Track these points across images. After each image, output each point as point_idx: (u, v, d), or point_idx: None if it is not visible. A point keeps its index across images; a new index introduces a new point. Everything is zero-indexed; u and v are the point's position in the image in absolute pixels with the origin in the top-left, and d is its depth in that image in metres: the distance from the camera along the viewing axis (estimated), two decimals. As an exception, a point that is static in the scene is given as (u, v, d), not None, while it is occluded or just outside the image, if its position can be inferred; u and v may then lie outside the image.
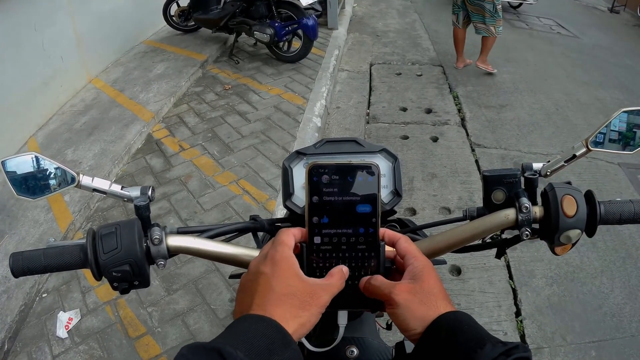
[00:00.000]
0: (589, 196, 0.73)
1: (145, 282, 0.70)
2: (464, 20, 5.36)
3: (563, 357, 2.36)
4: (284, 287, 0.57)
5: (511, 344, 0.51)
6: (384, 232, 0.66)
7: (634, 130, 0.75)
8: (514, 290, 2.71)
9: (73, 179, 0.73)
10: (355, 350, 0.78)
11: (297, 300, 0.56)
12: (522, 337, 2.46)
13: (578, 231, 0.71)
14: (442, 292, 0.60)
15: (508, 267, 2.86)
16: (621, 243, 3.07)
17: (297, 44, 5.31)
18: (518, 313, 2.58)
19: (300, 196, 0.80)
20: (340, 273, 0.62)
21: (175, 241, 0.72)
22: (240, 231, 0.86)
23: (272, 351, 0.50)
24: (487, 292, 2.68)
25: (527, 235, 0.73)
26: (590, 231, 0.73)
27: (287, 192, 0.81)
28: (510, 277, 2.79)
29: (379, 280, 0.62)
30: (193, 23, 5.84)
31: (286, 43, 5.31)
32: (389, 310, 0.60)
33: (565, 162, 0.77)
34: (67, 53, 4.36)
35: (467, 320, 0.56)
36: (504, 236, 0.83)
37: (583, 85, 5.60)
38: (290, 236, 0.63)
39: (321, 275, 0.63)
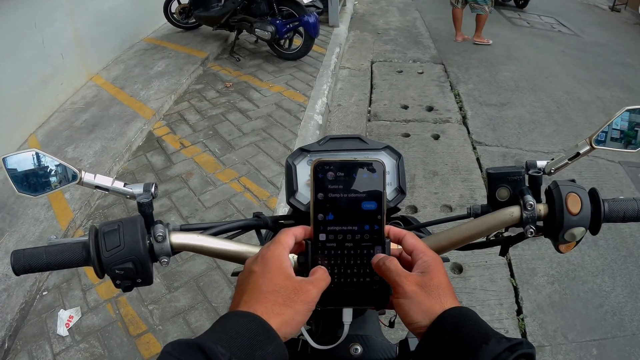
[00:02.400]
0: (593, 194, 0.72)
1: (148, 280, 0.70)
2: (462, 2, 6.34)
3: (564, 355, 2.36)
4: (269, 284, 0.57)
5: (515, 340, 0.51)
6: (389, 229, 0.65)
7: (636, 128, 0.75)
8: (516, 288, 2.71)
9: (75, 176, 0.73)
10: (360, 348, 0.78)
11: (281, 298, 0.56)
12: (524, 335, 2.46)
13: (582, 229, 0.71)
14: (449, 288, 0.60)
15: (509, 265, 2.86)
16: (622, 241, 3.07)
17: (298, 41, 5.29)
18: (519, 311, 2.58)
19: (304, 193, 0.80)
20: (321, 269, 0.62)
21: (178, 238, 0.71)
22: (243, 228, 0.86)
23: (254, 346, 0.51)
24: (489, 290, 2.67)
25: (531, 232, 0.73)
26: (594, 229, 0.73)
27: (291, 190, 0.81)
28: (512, 275, 2.79)
29: (394, 263, 0.61)
30: (194, 20, 5.83)
31: (287, 41, 5.30)
32: (396, 300, 0.60)
33: (569, 160, 0.77)
34: (67, 51, 4.35)
35: (472, 316, 0.56)
36: (507, 234, 0.83)
37: (584, 84, 5.59)
38: (290, 236, 0.63)
39: None
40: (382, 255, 0.63)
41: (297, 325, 0.57)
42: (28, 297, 2.47)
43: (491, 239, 0.84)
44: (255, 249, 0.73)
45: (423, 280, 0.59)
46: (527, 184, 0.77)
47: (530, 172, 0.77)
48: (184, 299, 2.53)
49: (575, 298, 2.67)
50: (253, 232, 0.90)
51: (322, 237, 0.63)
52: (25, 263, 0.69)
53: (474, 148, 4.07)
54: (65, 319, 2.40)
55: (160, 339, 2.33)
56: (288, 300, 0.56)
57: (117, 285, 0.69)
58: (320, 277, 0.61)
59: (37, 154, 0.72)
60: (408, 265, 0.63)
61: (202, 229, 0.80)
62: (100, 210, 3.13)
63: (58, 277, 2.65)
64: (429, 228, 0.97)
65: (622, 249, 3.01)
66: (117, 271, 0.66)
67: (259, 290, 0.57)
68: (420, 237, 0.77)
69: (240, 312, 0.55)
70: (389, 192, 0.81)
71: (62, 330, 2.36)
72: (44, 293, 2.58)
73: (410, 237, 0.65)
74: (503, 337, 0.51)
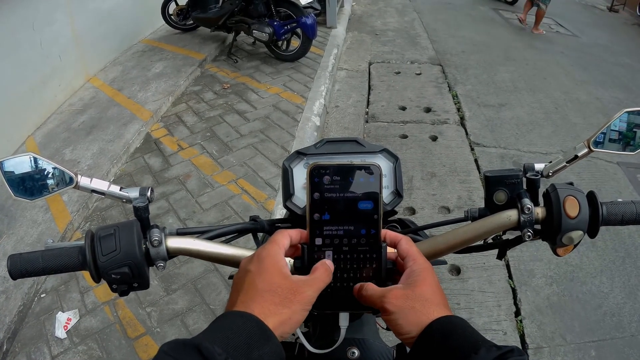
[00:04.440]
0: (591, 197, 0.72)
1: (144, 284, 0.69)
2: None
3: (563, 356, 2.36)
4: (265, 284, 0.57)
5: (506, 348, 0.50)
6: (385, 233, 0.65)
7: (634, 130, 0.75)
8: (514, 290, 2.71)
9: (71, 180, 0.73)
10: (357, 352, 0.78)
11: (278, 297, 0.56)
12: (522, 336, 2.46)
13: (580, 232, 0.71)
14: (437, 297, 0.59)
15: (507, 266, 2.86)
16: (621, 242, 3.07)
17: (296, 42, 5.30)
18: (518, 313, 2.58)
19: (300, 197, 0.80)
20: (324, 267, 0.62)
21: (174, 243, 0.71)
22: (240, 232, 0.86)
23: (250, 345, 0.51)
24: (487, 291, 2.67)
25: (529, 236, 0.73)
26: (592, 232, 0.73)
27: (288, 193, 0.80)
28: (510, 277, 2.79)
29: (369, 289, 0.62)
30: (191, 22, 5.82)
31: (285, 42, 5.30)
32: (384, 316, 0.60)
33: (567, 162, 0.77)
34: (65, 52, 4.35)
35: (461, 324, 0.55)
36: (505, 237, 0.83)
37: (582, 84, 5.60)
38: (285, 236, 0.63)
39: None
40: (357, 285, 0.64)
41: (294, 325, 0.57)
42: (26, 299, 2.46)
43: (489, 242, 0.84)
44: (251, 253, 0.73)
45: (407, 293, 0.59)
46: (525, 187, 0.77)
47: (528, 175, 0.77)
48: (181, 301, 2.52)
49: (573, 299, 2.67)
50: (250, 236, 0.90)
51: (319, 241, 0.63)
52: (22, 268, 0.68)
53: (472, 149, 4.07)
54: (64, 321, 2.39)
55: (158, 341, 2.33)
56: (285, 300, 0.56)
57: (113, 290, 0.69)
58: (319, 277, 0.61)
59: (33, 157, 0.72)
60: (403, 269, 0.63)
61: (198, 233, 0.80)
62: (98, 212, 3.12)
63: (56, 279, 2.64)
64: (427, 231, 0.97)
65: (621, 250, 3.01)
66: (113, 276, 0.66)
67: (256, 289, 0.57)
68: (418, 241, 0.77)
69: (236, 312, 0.55)
70: (386, 195, 0.81)
71: (61, 333, 2.35)
72: (42, 295, 2.57)
73: (405, 242, 0.64)
74: (493, 346, 0.51)
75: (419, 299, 0.58)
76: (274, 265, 0.59)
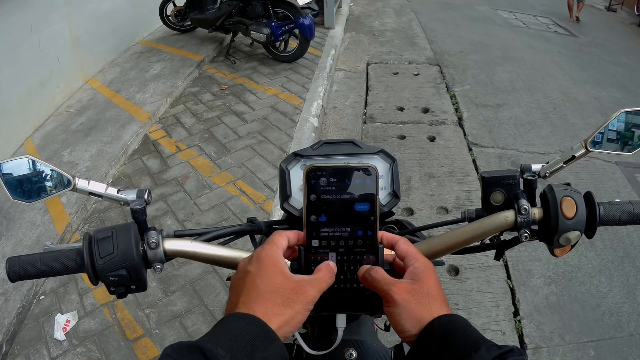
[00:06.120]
0: (589, 198, 0.72)
1: (142, 286, 0.69)
2: None
3: (562, 356, 2.36)
4: (266, 284, 0.57)
5: (506, 348, 0.50)
6: (382, 234, 0.65)
7: (632, 130, 0.75)
8: (512, 290, 2.71)
9: (69, 182, 0.73)
10: (354, 353, 0.78)
11: (280, 298, 0.56)
12: (521, 336, 2.46)
13: (577, 233, 0.71)
14: (440, 295, 0.59)
15: (506, 266, 2.86)
16: (619, 242, 3.07)
17: (293, 43, 5.29)
18: (516, 313, 2.58)
19: (297, 198, 0.80)
20: (327, 267, 0.62)
21: (172, 245, 0.71)
22: (237, 234, 0.86)
23: (254, 347, 0.51)
24: (485, 292, 2.67)
25: (526, 237, 0.73)
26: (589, 233, 0.73)
27: (285, 195, 0.80)
28: (509, 277, 2.79)
29: (380, 273, 0.61)
30: (189, 23, 5.81)
31: (283, 43, 5.30)
32: (386, 308, 0.59)
33: (564, 163, 0.77)
34: (63, 54, 4.34)
35: (462, 323, 0.55)
36: (503, 237, 0.83)
37: (580, 84, 5.61)
38: (283, 237, 0.63)
39: None
40: (367, 266, 0.63)
41: (296, 324, 0.57)
42: (25, 301, 2.46)
43: (486, 242, 0.84)
44: (249, 254, 0.73)
45: (413, 288, 0.58)
46: (522, 188, 0.77)
47: (525, 175, 0.77)
48: (180, 303, 2.52)
49: (572, 299, 2.67)
50: (247, 238, 0.90)
51: (315, 243, 0.63)
52: (20, 270, 0.69)
53: (470, 150, 4.07)
54: (63, 323, 2.39)
55: (157, 343, 2.33)
56: (287, 300, 0.56)
57: (111, 292, 0.69)
58: (322, 277, 0.60)
59: (31, 160, 0.72)
60: (401, 270, 0.63)
61: (195, 235, 0.80)
62: (97, 214, 3.12)
63: (55, 281, 2.64)
64: (424, 232, 0.97)
65: (619, 250, 3.01)
66: (111, 278, 0.66)
67: (257, 290, 0.56)
68: (415, 242, 0.77)
69: (239, 314, 0.55)
70: (383, 196, 0.81)
71: (60, 335, 2.35)
72: (41, 297, 2.57)
73: (403, 243, 0.64)
74: (493, 345, 0.51)
75: (425, 294, 0.58)
76: (274, 265, 0.59)
